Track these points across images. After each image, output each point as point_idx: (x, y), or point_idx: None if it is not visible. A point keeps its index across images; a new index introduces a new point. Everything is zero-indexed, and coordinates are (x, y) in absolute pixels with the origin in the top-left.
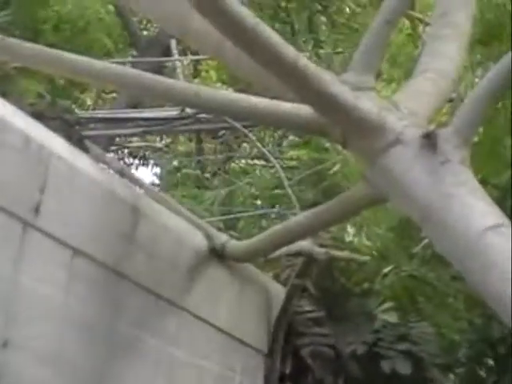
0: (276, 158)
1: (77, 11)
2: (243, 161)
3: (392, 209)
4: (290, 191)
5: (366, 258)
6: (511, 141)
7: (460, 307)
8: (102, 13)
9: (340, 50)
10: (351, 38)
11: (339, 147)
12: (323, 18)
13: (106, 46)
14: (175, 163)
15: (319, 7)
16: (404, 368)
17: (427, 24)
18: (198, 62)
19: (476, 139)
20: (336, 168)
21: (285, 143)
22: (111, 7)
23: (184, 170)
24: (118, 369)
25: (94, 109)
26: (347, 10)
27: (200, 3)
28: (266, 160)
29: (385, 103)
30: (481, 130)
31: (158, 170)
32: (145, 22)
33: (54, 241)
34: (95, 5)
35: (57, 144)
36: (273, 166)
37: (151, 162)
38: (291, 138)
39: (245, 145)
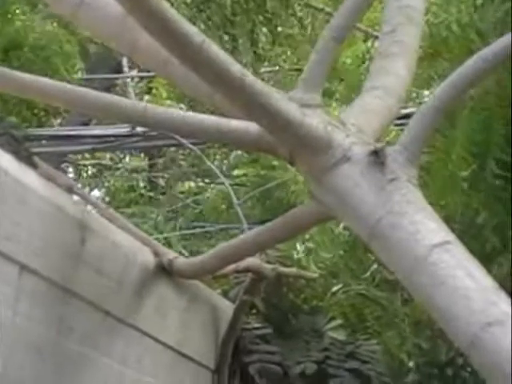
0: (225, 176)
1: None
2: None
3: (339, 231)
4: (238, 209)
5: (315, 275)
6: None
7: (407, 330)
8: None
9: (281, 65)
10: (295, 51)
11: (287, 165)
12: (265, 30)
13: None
14: (124, 181)
15: (262, 19)
16: None
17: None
18: (150, 79)
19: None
20: (283, 185)
21: (231, 160)
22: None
23: (131, 188)
24: None
25: (39, 126)
26: (293, 21)
27: (146, 22)
28: (211, 177)
29: (332, 120)
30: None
31: (106, 187)
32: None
33: (1, 257)
34: (45, 26)
35: (4, 160)
36: (220, 183)
37: (101, 179)
38: (236, 155)
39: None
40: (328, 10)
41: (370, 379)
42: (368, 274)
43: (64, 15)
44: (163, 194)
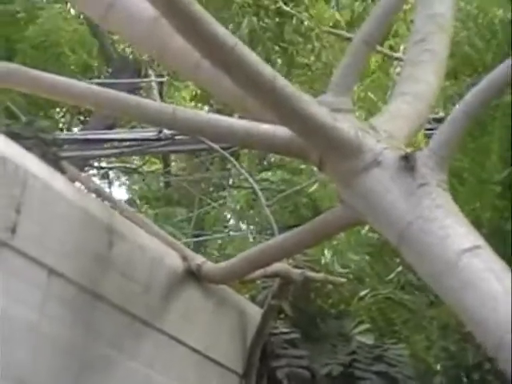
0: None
1: (50, 31)
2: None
3: (366, 234)
4: (268, 212)
5: (343, 280)
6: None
7: (434, 333)
8: (77, 31)
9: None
10: (310, 79)
11: (314, 170)
12: (280, 60)
13: (85, 64)
14: (147, 184)
15: (277, 48)
16: None
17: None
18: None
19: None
20: (310, 190)
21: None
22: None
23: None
24: None
25: (68, 129)
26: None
27: (179, 25)
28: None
29: (363, 125)
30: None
31: (130, 190)
32: (120, 43)
33: (29, 261)
34: (69, 25)
35: (33, 164)
36: (247, 188)
37: (124, 182)
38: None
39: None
40: (347, 35)
41: (397, 382)
42: (394, 277)
43: (94, 18)
44: (187, 197)
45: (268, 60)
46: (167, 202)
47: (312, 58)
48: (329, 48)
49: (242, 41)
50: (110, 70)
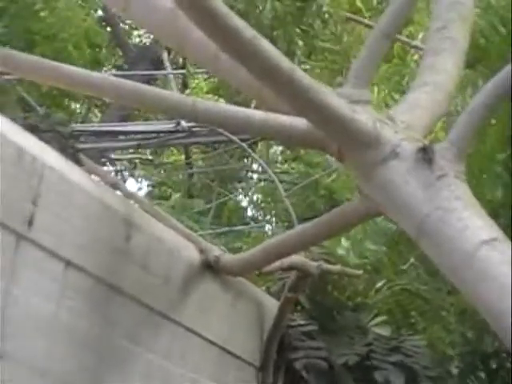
0: (264, 172)
1: (61, 23)
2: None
3: (382, 223)
4: (288, 204)
5: (359, 272)
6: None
7: (452, 320)
8: (88, 24)
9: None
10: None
11: (331, 162)
12: (301, 43)
13: (95, 58)
14: (164, 176)
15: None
16: (397, 378)
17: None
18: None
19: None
20: (327, 182)
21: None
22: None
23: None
24: (111, 382)
25: (82, 122)
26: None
27: (197, 17)
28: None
29: (381, 116)
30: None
31: (146, 182)
32: (135, 34)
33: (46, 253)
34: (79, 17)
35: (50, 156)
36: (265, 180)
37: (140, 174)
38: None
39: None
40: (367, 22)
41: (414, 372)
42: (410, 266)
43: (115, 9)
44: (202, 189)
45: (289, 43)
46: (188, 193)
47: (331, 43)
48: (348, 33)
49: (264, 24)
50: (125, 61)
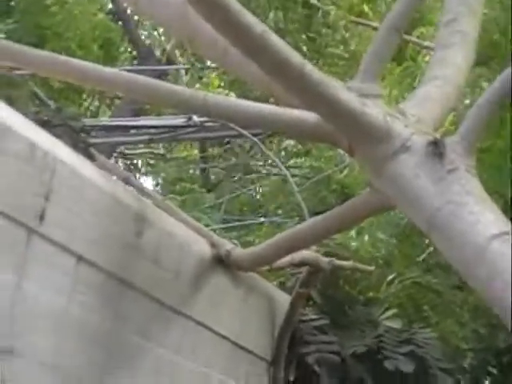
0: (276, 167)
1: (70, 20)
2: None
3: (394, 215)
4: (299, 198)
5: (371, 268)
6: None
7: (465, 316)
8: (99, 19)
9: None
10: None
11: (342, 156)
12: (305, 49)
13: (106, 54)
14: (177, 171)
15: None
16: (407, 367)
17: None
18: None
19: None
20: (339, 176)
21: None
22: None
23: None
24: (121, 377)
25: (94, 116)
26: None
27: (207, 12)
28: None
29: (391, 110)
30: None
31: (159, 177)
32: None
33: (58, 248)
34: (90, 12)
35: (62, 151)
36: (276, 174)
37: (153, 169)
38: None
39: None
40: (374, 25)
41: (425, 361)
42: (422, 259)
43: (125, 3)
44: (216, 183)
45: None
46: (201, 188)
47: (341, 48)
48: (357, 37)
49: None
50: (136, 56)
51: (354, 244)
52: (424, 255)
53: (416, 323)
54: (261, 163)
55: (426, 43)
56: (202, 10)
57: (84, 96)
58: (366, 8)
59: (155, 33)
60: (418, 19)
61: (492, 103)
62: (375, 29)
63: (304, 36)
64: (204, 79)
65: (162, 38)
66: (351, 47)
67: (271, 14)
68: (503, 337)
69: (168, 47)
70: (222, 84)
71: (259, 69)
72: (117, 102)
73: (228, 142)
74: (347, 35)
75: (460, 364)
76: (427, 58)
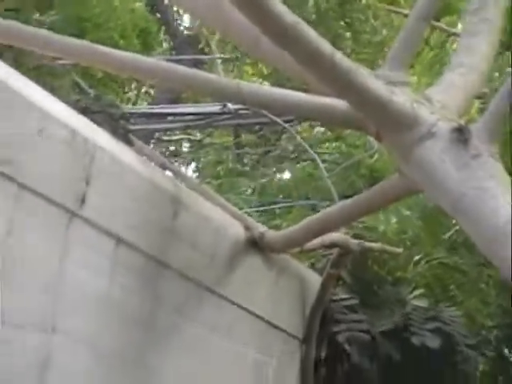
0: (307, 153)
1: (109, 12)
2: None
3: (420, 198)
4: (329, 183)
5: (399, 250)
6: None
7: (490, 292)
8: (138, 11)
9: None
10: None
11: (370, 142)
12: (347, 34)
13: (144, 44)
14: (213, 156)
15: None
16: (433, 342)
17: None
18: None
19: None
20: (369, 162)
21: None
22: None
23: (222, 163)
24: (158, 354)
25: (134, 103)
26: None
27: (240, 2)
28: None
29: (418, 97)
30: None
31: (195, 163)
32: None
33: (98, 230)
34: (128, 4)
35: (102, 138)
36: (306, 160)
37: (189, 155)
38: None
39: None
40: (405, 12)
41: (452, 337)
42: (448, 237)
43: None
44: (253, 168)
45: (334, 38)
46: (235, 173)
47: (373, 35)
48: (389, 24)
49: (307, 20)
50: (174, 46)
51: (381, 226)
52: (449, 234)
53: (442, 302)
54: (292, 149)
55: (454, 30)
56: (237, 2)
57: (123, 85)
58: None
59: (191, 23)
60: (446, 7)
61: None
62: (406, 16)
63: (340, 23)
64: (239, 68)
65: (198, 28)
66: (383, 34)
67: (311, 1)
68: None
69: (204, 37)
70: (256, 73)
71: (291, 58)
72: (152, 91)
73: (261, 129)
74: (379, 22)
75: (485, 340)
76: (455, 45)
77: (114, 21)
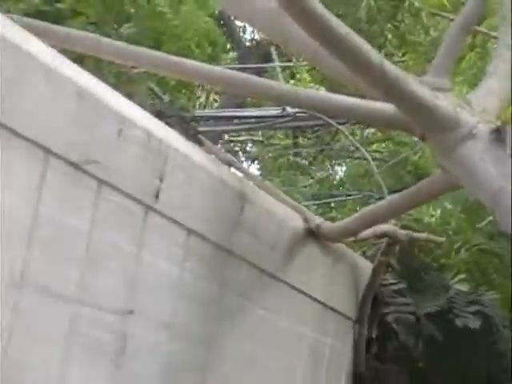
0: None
1: (184, 25)
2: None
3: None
4: (379, 179)
5: (442, 239)
6: None
7: None
8: (208, 25)
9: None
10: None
11: (417, 141)
12: (390, 36)
13: (210, 54)
14: (274, 155)
15: (390, 26)
16: (474, 323)
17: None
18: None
19: None
20: (414, 159)
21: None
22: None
23: (282, 161)
24: (226, 334)
25: (203, 107)
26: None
27: (298, 17)
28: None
29: (459, 102)
30: None
31: (258, 161)
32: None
33: (171, 222)
34: (201, 19)
35: (174, 139)
36: (358, 158)
37: (253, 154)
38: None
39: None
40: (451, 17)
41: (492, 320)
42: (486, 225)
43: (228, 11)
44: (309, 165)
45: (383, 37)
46: (294, 170)
47: (421, 36)
48: (435, 27)
49: (360, 20)
50: (238, 56)
51: (427, 218)
52: (486, 223)
53: (482, 286)
54: (345, 148)
55: (494, 34)
56: (293, 15)
57: (194, 91)
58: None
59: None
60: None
61: None
62: (452, 20)
63: (390, 25)
64: (297, 76)
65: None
66: (430, 35)
67: (363, 3)
68: None
69: (265, 48)
70: (313, 80)
71: (344, 66)
72: (217, 97)
73: (317, 130)
74: (427, 24)
75: None
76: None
77: (191, 32)
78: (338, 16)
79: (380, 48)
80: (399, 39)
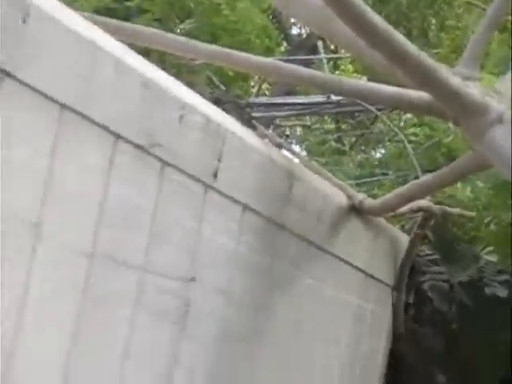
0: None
1: (242, 21)
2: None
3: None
4: (414, 160)
5: (473, 213)
6: None
7: None
8: (263, 20)
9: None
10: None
11: (451, 126)
12: (434, 21)
13: (268, 46)
14: (320, 138)
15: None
16: (502, 292)
17: None
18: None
19: None
20: (447, 141)
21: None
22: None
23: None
24: (278, 300)
25: (256, 96)
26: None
27: (341, 13)
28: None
29: (489, 90)
30: None
31: (305, 143)
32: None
33: (228, 200)
34: (257, 15)
35: (230, 123)
36: (396, 141)
37: (301, 137)
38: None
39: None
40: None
41: None
42: None
43: (279, 7)
44: (350, 148)
45: (423, 23)
46: (337, 152)
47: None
48: (468, 14)
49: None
50: (289, 48)
51: (459, 194)
52: None
53: (509, 256)
54: (384, 133)
55: None
56: (337, 10)
57: (248, 80)
58: None
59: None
60: None
61: None
62: (484, 9)
63: (430, 10)
64: (341, 67)
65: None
66: (464, 22)
67: None
68: None
69: (313, 41)
70: (356, 70)
71: (384, 58)
72: (268, 85)
73: (358, 116)
74: (461, 11)
75: None
76: None
77: (250, 27)
78: (380, 2)
79: (421, 31)
80: (439, 25)
